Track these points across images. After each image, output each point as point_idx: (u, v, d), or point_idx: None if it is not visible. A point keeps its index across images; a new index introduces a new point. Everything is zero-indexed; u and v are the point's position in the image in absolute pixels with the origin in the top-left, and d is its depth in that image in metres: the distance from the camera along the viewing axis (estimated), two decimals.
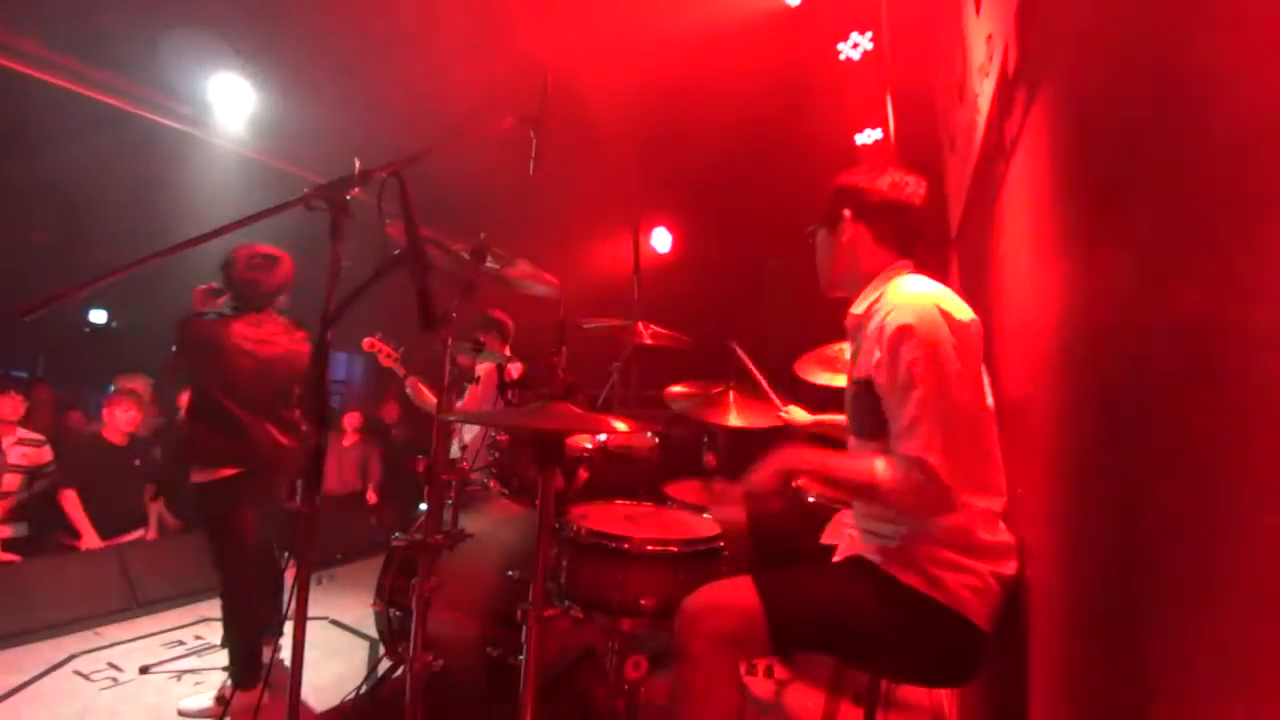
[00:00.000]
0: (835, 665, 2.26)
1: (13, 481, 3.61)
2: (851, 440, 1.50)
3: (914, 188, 1.50)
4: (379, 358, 3.07)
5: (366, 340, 3.04)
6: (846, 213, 1.51)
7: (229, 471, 2.42)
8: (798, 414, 2.19)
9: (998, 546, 1.32)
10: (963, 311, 1.34)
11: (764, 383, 2.34)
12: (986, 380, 1.39)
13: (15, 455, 3.63)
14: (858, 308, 1.49)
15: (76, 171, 4.54)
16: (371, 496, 5.20)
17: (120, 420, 3.94)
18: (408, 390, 3.15)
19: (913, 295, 1.35)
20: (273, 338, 2.56)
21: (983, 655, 1.33)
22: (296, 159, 4.80)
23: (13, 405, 3.68)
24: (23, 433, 3.71)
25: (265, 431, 2.48)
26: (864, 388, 1.39)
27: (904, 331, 1.28)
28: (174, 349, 2.51)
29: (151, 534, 4.01)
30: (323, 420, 1.28)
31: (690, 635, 1.32)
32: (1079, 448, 1.01)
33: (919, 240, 1.52)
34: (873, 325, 1.39)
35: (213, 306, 2.56)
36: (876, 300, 1.43)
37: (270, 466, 2.50)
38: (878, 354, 1.34)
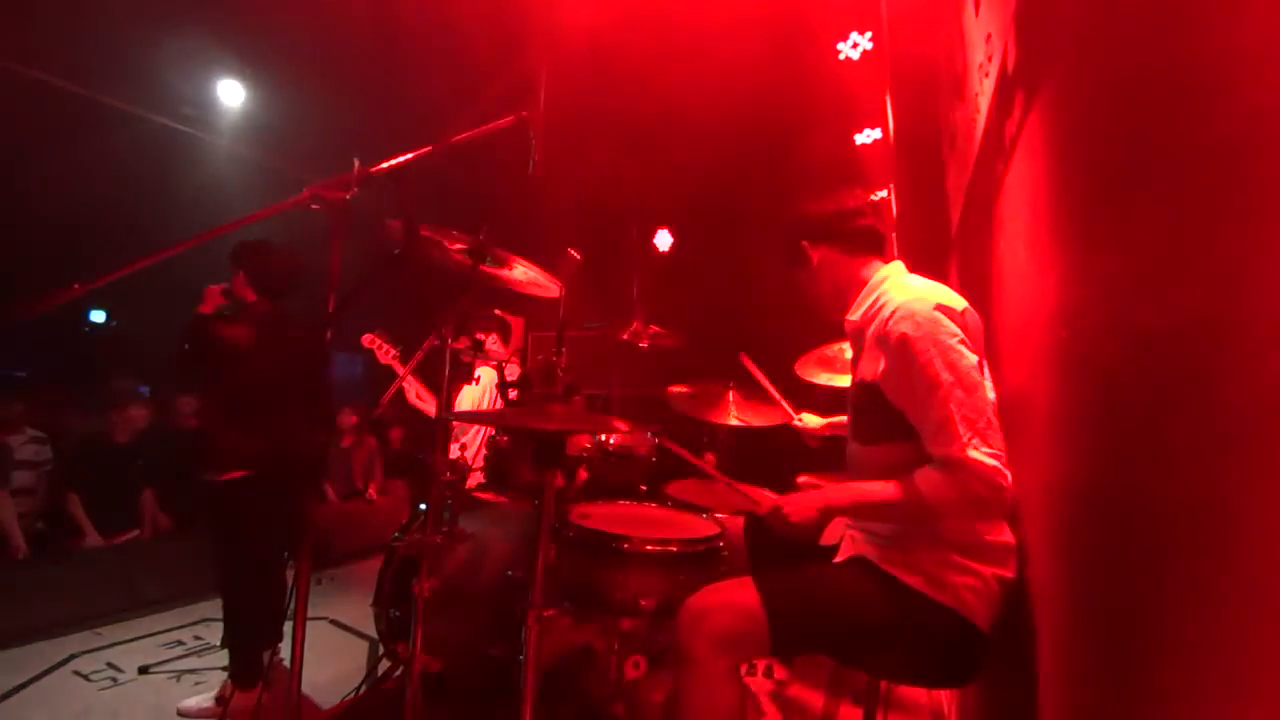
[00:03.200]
0: (835, 665, 2.26)
1: (24, 479, 3.63)
2: (851, 445, 1.50)
3: (848, 193, 1.55)
4: (377, 354, 3.05)
5: (366, 336, 3.03)
6: (804, 243, 1.55)
7: (242, 472, 2.42)
8: (811, 420, 2.18)
9: (999, 547, 1.32)
10: (957, 301, 1.35)
11: (775, 392, 2.32)
12: (988, 373, 1.39)
13: (28, 452, 3.65)
14: (854, 314, 1.49)
15: (76, 171, 4.54)
16: (373, 496, 5.20)
17: (129, 420, 3.95)
18: (407, 392, 3.13)
19: (910, 297, 1.35)
20: (283, 337, 2.56)
21: (983, 656, 1.33)
22: (296, 159, 4.80)
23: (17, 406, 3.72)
24: (30, 430, 3.73)
25: (277, 431, 2.48)
26: (867, 392, 1.39)
27: (909, 337, 1.28)
28: (185, 347, 2.51)
29: (145, 535, 4.01)
30: (325, 421, 1.28)
31: (691, 636, 1.32)
32: (1079, 447, 1.01)
33: (884, 235, 1.54)
34: (872, 330, 1.40)
35: (224, 305, 2.56)
36: (873, 304, 1.44)
37: (282, 467, 2.50)
38: (884, 363, 1.33)
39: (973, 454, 1.19)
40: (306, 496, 1.26)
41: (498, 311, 3.34)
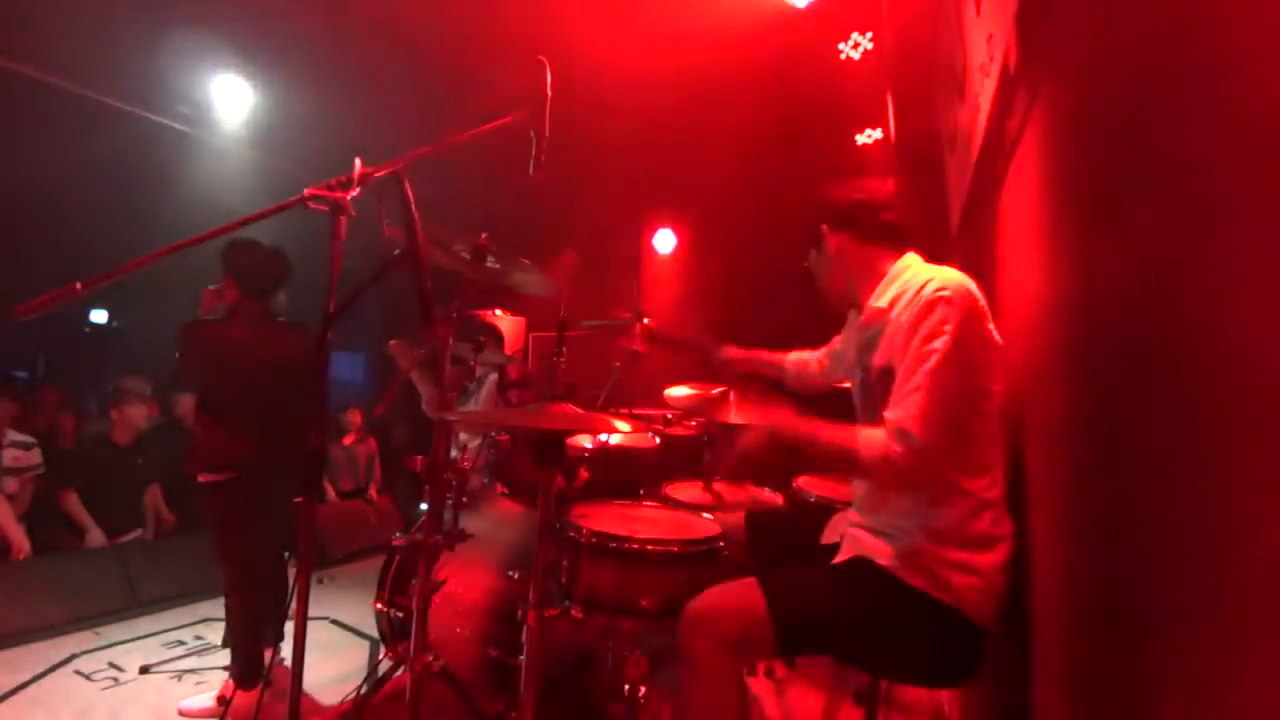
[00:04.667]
0: (835, 665, 2.26)
1: (10, 484, 3.60)
2: None
3: (877, 184, 1.56)
4: (400, 361, 3.04)
5: (393, 343, 3.02)
6: (824, 228, 1.56)
7: (236, 472, 2.42)
8: (731, 353, 2.18)
9: (1000, 546, 1.32)
10: (981, 297, 1.35)
11: (689, 341, 2.34)
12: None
13: (7, 458, 3.62)
14: (879, 300, 1.47)
15: (76, 171, 4.54)
16: (373, 496, 5.21)
17: (129, 420, 3.95)
18: (424, 408, 3.12)
19: (948, 273, 1.36)
20: (275, 338, 2.56)
21: (985, 655, 1.33)
22: (296, 159, 4.80)
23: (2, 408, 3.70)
24: (13, 435, 3.70)
25: (271, 432, 2.48)
26: (883, 378, 1.38)
27: (940, 301, 1.29)
28: (178, 354, 2.51)
29: (149, 534, 4.02)
30: (323, 420, 1.29)
31: (694, 639, 1.32)
32: (1080, 446, 1.01)
33: (904, 231, 1.54)
34: (899, 308, 1.39)
35: (220, 306, 2.56)
36: (901, 288, 1.43)
37: (276, 467, 2.50)
38: (906, 324, 1.34)
39: (917, 435, 1.23)
40: (304, 496, 1.26)
41: (497, 311, 3.34)
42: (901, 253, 1.51)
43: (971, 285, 1.34)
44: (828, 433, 1.39)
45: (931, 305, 1.29)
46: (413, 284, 1.26)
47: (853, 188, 1.57)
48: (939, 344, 1.26)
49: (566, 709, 2.03)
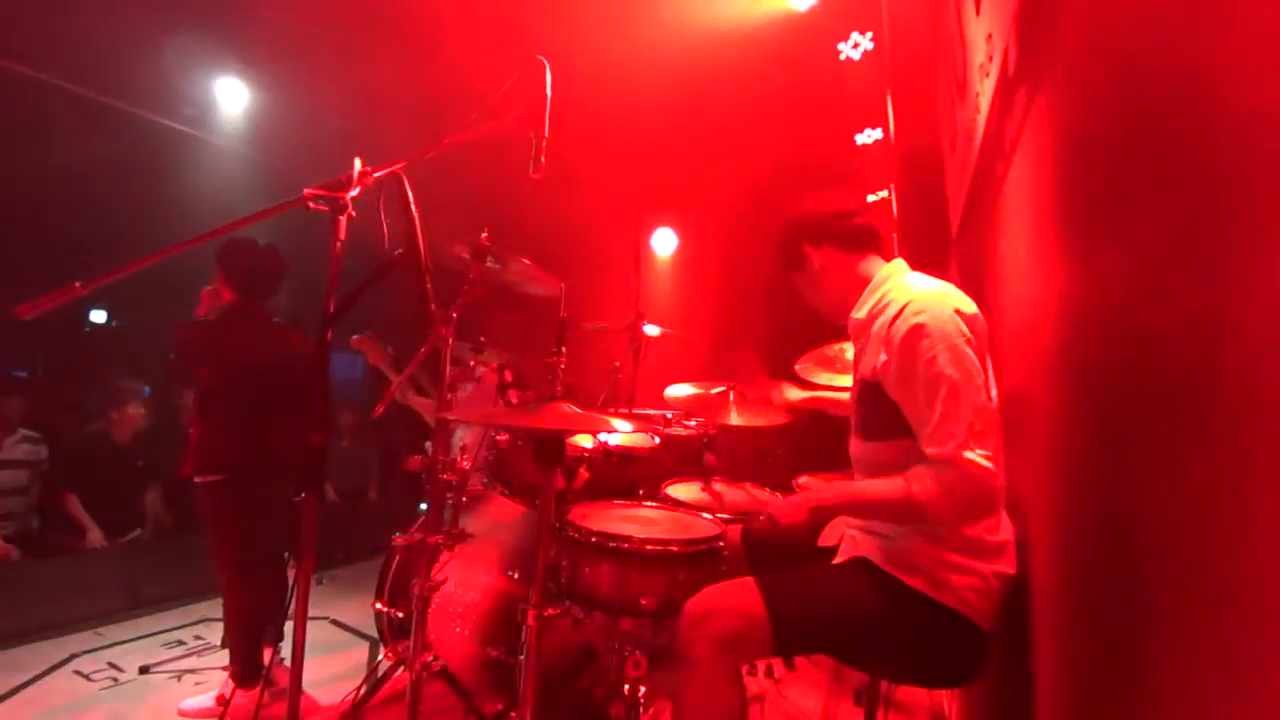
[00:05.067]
0: (835, 665, 2.25)
1: (17, 478, 3.61)
2: (856, 441, 1.50)
3: (843, 194, 1.57)
4: (367, 357, 3.02)
5: (355, 338, 3.00)
6: (806, 246, 1.55)
7: (232, 473, 2.42)
8: (792, 393, 2.14)
9: (1000, 546, 1.32)
10: (970, 305, 1.35)
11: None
12: (991, 377, 1.39)
13: (19, 451, 3.63)
14: (859, 312, 1.49)
15: (77, 171, 4.54)
16: (373, 496, 5.20)
17: (128, 419, 3.95)
18: (397, 396, 3.11)
19: (922, 293, 1.35)
20: (273, 338, 2.56)
21: (984, 656, 1.33)
22: (296, 159, 4.80)
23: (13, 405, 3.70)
24: (24, 431, 3.71)
25: (269, 432, 2.48)
26: (869, 388, 1.39)
27: (920, 330, 1.27)
28: (172, 355, 2.51)
29: (149, 534, 4.02)
30: (323, 420, 1.29)
31: (692, 639, 1.32)
32: (1079, 447, 1.01)
33: (880, 233, 1.55)
34: (878, 325, 1.39)
35: (217, 306, 2.56)
36: (879, 301, 1.44)
37: (274, 466, 2.50)
38: (884, 355, 1.33)
39: (968, 454, 1.19)
40: (305, 495, 1.26)
41: (485, 318, 3.34)
42: (885, 257, 1.52)
43: (951, 300, 1.32)
44: (870, 492, 1.34)
45: (914, 336, 1.28)
46: (412, 284, 1.27)
47: (821, 200, 1.56)
48: (942, 369, 1.24)
49: (566, 709, 2.03)
